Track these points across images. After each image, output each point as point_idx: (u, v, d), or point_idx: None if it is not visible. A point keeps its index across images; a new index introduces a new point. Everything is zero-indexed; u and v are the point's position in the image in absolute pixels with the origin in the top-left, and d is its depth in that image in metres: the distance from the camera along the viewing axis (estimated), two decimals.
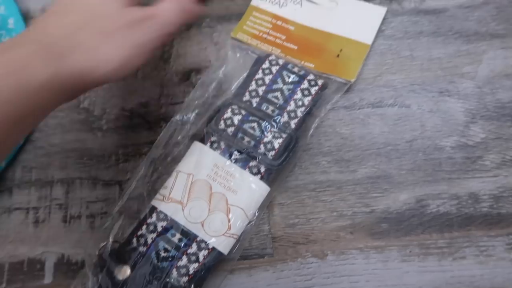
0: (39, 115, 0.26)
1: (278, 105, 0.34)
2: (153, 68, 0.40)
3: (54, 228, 0.35)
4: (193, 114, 0.36)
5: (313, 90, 0.35)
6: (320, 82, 0.35)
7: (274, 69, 0.35)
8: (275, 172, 0.33)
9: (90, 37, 0.26)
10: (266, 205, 0.33)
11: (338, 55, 0.37)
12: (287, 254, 0.33)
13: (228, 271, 0.32)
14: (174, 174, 0.33)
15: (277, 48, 0.38)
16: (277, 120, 0.34)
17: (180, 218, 0.32)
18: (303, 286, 0.32)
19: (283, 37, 0.38)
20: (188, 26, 0.40)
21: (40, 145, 0.38)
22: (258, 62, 0.36)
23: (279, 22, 0.39)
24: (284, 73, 0.35)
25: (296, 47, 0.38)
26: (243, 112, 0.34)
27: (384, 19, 0.38)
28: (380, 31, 0.38)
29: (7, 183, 0.37)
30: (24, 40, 0.26)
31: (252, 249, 0.33)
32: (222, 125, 0.34)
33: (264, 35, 0.39)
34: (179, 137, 0.35)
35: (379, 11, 0.38)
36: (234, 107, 0.34)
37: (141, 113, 0.38)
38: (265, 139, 0.33)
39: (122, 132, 0.38)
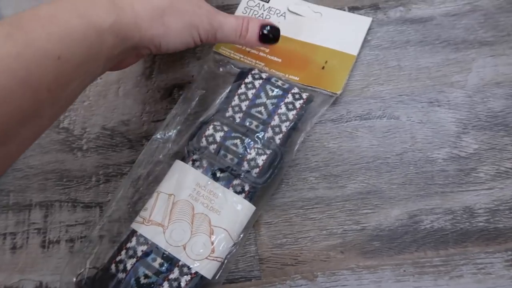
0: (103, 60, 0.27)
1: (262, 120, 0.33)
2: (135, 84, 0.38)
3: (32, 254, 0.34)
4: (175, 131, 0.35)
5: (298, 104, 0.33)
6: (305, 95, 0.34)
7: (257, 83, 0.34)
8: (260, 190, 0.32)
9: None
10: (252, 225, 0.32)
11: (323, 67, 0.36)
12: (275, 277, 0.31)
13: None
14: (154, 195, 0.32)
15: (261, 61, 0.37)
16: (261, 136, 0.32)
17: (161, 241, 0.30)
18: None
19: (267, 50, 0.37)
20: None
21: (18, 167, 0.37)
22: (241, 76, 0.35)
23: None
24: (268, 87, 0.34)
25: (280, 60, 0.37)
26: (225, 128, 0.33)
27: (369, 29, 0.37)
28: (366, 41, 0.37)
29: None
30: None
31: (238, 272, 0.31)
32: (203, 142, 0.32)
33: (247, 49, 0.38)
34: (160, 156, 0.34)
35: (364, 22, 0.37)
36: (216, 123, 0.33)
37: (122, 132, 0.37)
38: (249, 156, 0.31)
39: (102, 152, 0.36)
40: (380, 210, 0.32)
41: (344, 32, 0.37)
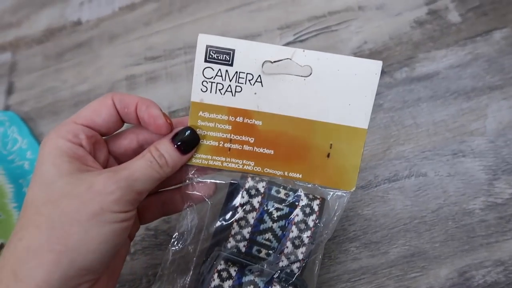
0: None
1: (272, 247, 0.28)
2: None
3: None
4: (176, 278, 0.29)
5: (311, 221, 0.28)
6: (316, 205, 0.28)
7: (256, 202, 0.28)
8: None
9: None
10: None
11: (328, 154, 0.28)
12: None
13: None
14: None
15: (249, 160, 0.28)
16: (275, 267, 0.27)
17: None
18: None
19: (252, 140, 0.28)
20: None
21: None
22: (232, 193, 0.28)
23: (239, 119, 0.28)
24: (270, 205, 0.28)
25: (271, 152, 0.28)
26: (232, 272, 0.28)
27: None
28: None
29: None
30: None
31: None
32: None
33: (226, 145, 0.28)
34: None
35: (372, 68, 0.26)
36: (221, 267, 0.28)
37: (164, 230, 0.39)
38: None
39: (149, 253, 0.38)
40: (427, 271, 0.32)
41: (347, 92, 0.27)
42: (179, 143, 0.26)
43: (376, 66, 0.26)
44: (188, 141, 0.27)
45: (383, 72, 0.40)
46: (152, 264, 0.38)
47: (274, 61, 0.27)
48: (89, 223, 0.22)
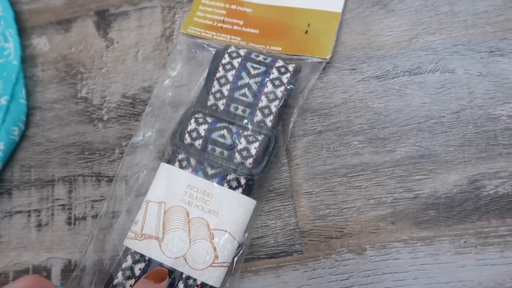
0: None
1: (248, 103, 0.30)
2: (155, 47, 0.35)
3: (58, 232, 0.32)
4: (154, 130, 0.32)
5: (285, 78, 0.30)
6: (291, 67, 0.30)
7: (236, 62, 0.30)
8: (258, 181, 0.29)
9: None
10: (255, 221, 0.29)
11: (306, 31, 0.32)
12: (318, 250, 0.28)
13: None
14: (143, 205, 0.29)
15: (236, 36, 0.33)
16: (249, 121, 0.29)
17: (159, 256, 0.27)
18: (339, 287, 0.27)
19: (241, 22, 0.34)
20: None
21: (37, 141, 0.35)
22: (217, 57, 0.31)
23: (233, 6, 0.34)
24: (248, 64, 0.30)
25: (257, 31, 0.33)
26: (208, 119, 0.29)
27: None
28: None
29: (6, 184, 0.34)
30: None
31: (278, 246, 0.29)
32: (187, 139, 0.29)
33: (219, 24, 0.34)
34: (142, 161, 0.31)
35: None
36: (198, 115, 0.30)
37: (144, 99, 0.34)
38: (239, 146, 0.28)
39: (124, 122, 0.34)
40: (435, 175, 0.28)
41: None
42: None
43: None
44: None
45: None
46: (127, 135, 0.33)
47: None
48: None
